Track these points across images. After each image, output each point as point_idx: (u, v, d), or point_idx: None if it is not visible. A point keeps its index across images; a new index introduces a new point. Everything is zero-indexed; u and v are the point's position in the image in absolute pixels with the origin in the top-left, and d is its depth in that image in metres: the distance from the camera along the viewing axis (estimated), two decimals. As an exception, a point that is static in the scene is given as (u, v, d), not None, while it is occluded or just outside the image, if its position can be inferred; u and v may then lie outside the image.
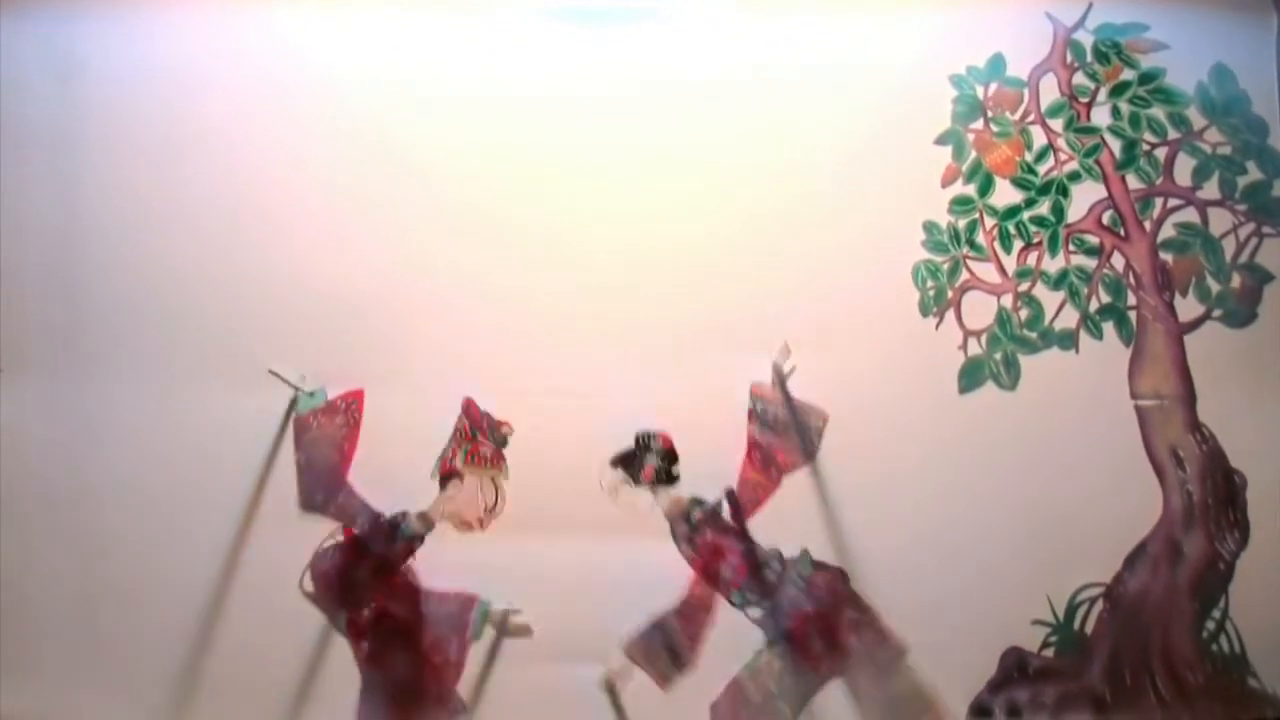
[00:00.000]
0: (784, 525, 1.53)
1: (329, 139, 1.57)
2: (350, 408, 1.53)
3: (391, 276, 1.55)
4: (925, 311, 1.58)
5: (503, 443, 1.52)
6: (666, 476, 1.52)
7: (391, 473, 1.53)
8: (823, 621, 1.51)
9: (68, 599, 1.49)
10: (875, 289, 1.58)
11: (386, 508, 1.52)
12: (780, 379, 1.54)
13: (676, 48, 1.60)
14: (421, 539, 1.51)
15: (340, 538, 1.51)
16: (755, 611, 1.51)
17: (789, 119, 1.60)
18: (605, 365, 1.55)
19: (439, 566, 1.51)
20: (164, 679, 1.49)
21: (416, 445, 1.53)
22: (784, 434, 1.53)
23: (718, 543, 1.52)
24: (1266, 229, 1.61)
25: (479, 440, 1.52)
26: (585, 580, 1.50)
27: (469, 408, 1.53)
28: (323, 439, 1.52)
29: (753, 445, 1.54)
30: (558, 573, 1.50)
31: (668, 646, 1.49)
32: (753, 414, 1.54)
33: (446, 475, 1.52)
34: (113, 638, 1.49)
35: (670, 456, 1.53)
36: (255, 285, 1.55)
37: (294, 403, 1.52)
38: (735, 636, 1.51)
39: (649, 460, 1.52)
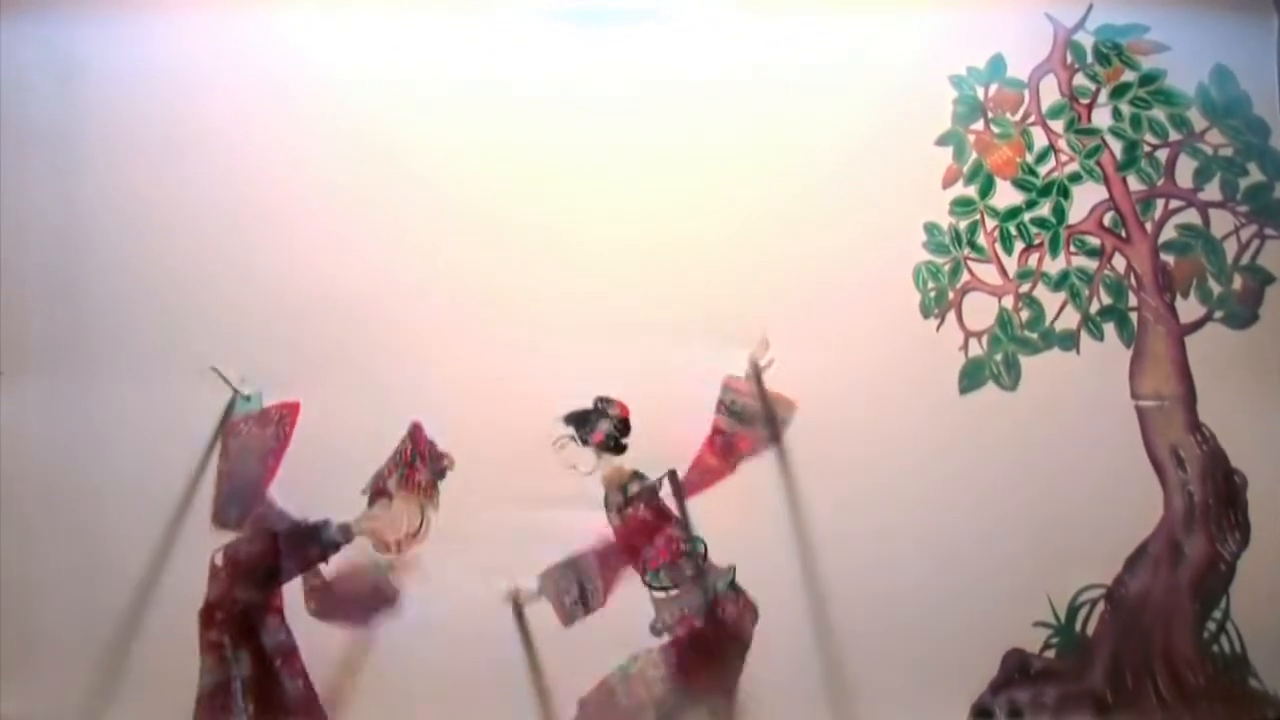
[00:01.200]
0: (781, 519, 1.53)
1: (329, 139, 1.57)
2: (282, 420, 1.52)
3: (391, 275, 1.55)
4: (926, 313, 1.58)
5: (440, 475, 1.52)
6: (615, 445, 1.53)
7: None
8: (710, 645, 1.50)
9: (68, 599, 1.49)
10: (876, 290, 1.58)
11: (311, 513, 1.52)
12: (756, 372, 1.54)
13: (676, 48, 1.60)
14: (338, 548, 1.51)
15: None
16: (658, 594, 1.51)
17: (789, 120, 1.60)
18: (603, 361, 1.55)
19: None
20: (164, 679, 1.48)
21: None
22: (750, 423, 1.54)
23: (647, 520, 1.52)
24: (1268, 230, 1.61)
25: (417, 467, 1.51)
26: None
27: (415, 432, 1.52)
28: (250, 449, 1.51)
29: (716, 432, 1.54)
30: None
31: (579, 582, 1.49)
32: (721, 405, 1.54)
33: (377, 494, 1.52)
34: (112, 638, 1.49)
35: (624, 426, 1.53)
36: (254, 285, 1.54)
37: (230, 405, 1.51)
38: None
39: (602, 425, 1.53)
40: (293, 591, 1.50)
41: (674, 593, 1.51)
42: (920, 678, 1.51)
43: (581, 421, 1.53)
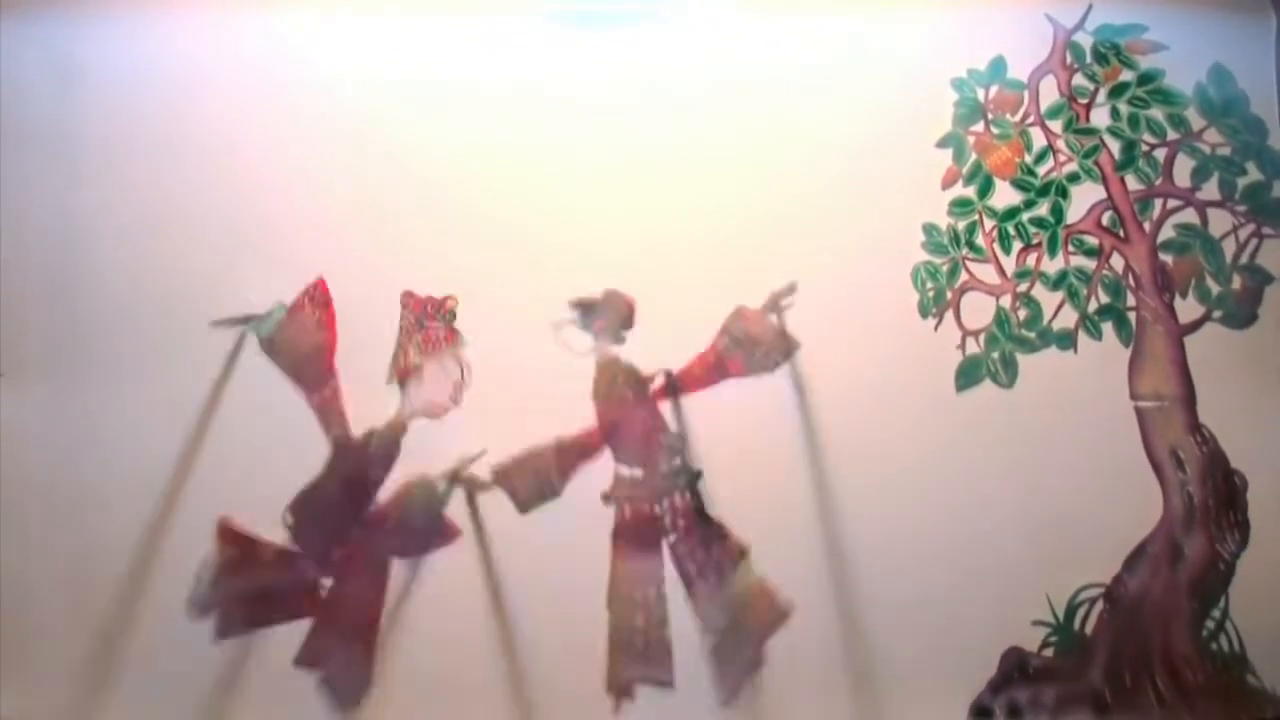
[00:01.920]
0: (781, 519, 1.53)
1: (328, 141, 1.57)
2: (315, 296, 1.52)
3: (391, 277, 1.55)
4: (925, 312, 1.58)
5: (451, 318, 1.52)
6: (614, 336, 1.54)
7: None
8: (650, 535, 1.54)
9: (68, 600, 1.49)
10: (875, 290, 1.58)
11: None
12: (775, 305, 1.55)
13: (676, 50, 1.61)
14: (398, 446, 1.51)
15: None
16: (623, 469, 1.54)
17: (789, 121, 1.60)
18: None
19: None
20: (165, 680, 1.48)
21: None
22: (746, 348, 1.55)
23: (626, 399, 1.53)
24: (1266, 230, 1.61)
25: (427, 326, 1.51)
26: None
27: (407, 299, 1.52)
28: (301, 335, 1.51)
29: (710, 350, 1.55)
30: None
31: (535, 472, 1.51)
32: (725, 330, 1.55)
33: (404, 375, 1.52)
34: (112, 638, 1.49)
35: (628, 320, 1.55)
36: (253, 288, 1.54)
37: (241, 339, 1.51)
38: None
39: (606, 315, 1.54)
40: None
41: (637, 472, 1.53)
42: (919, 676, 1.51)
43: (588, 309, 1.54)
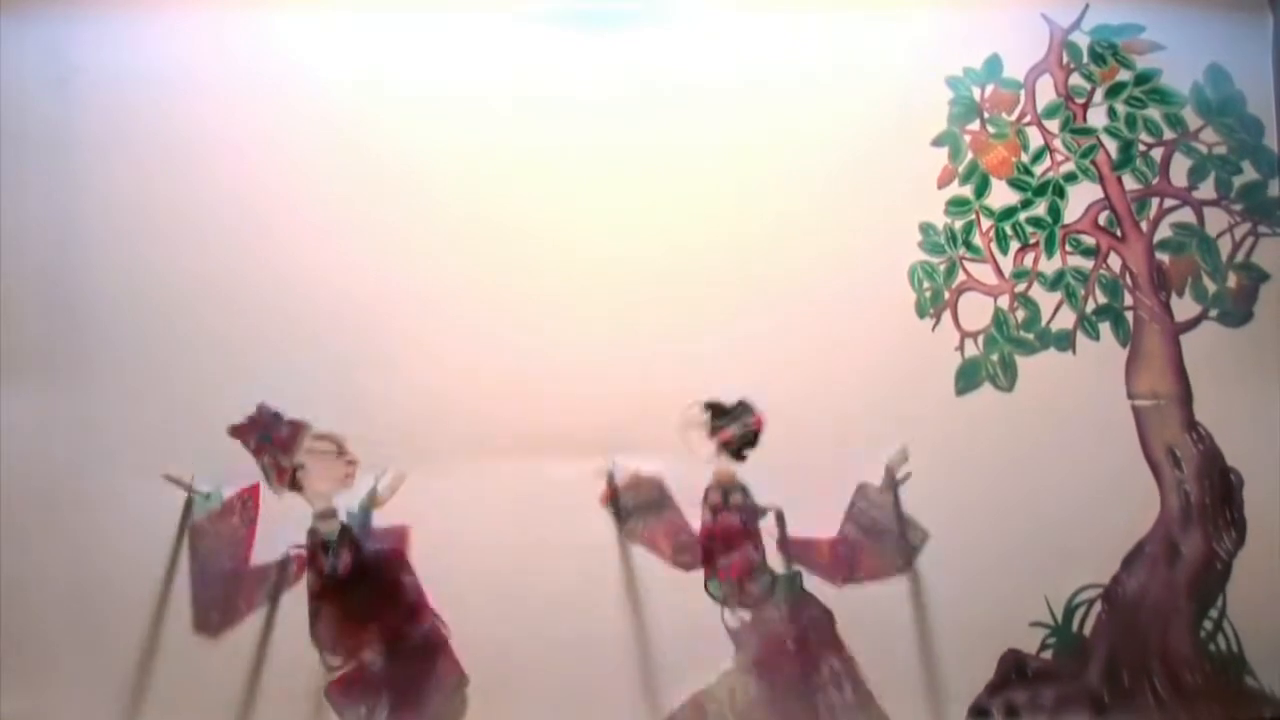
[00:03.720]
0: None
1: (326, 143, 1.56)
2: (246, 505, 1.50)
3: (390, 281, 1.55)
4: (922, 313, 1.58)
5: (266, 437, 1.51)
6: (737, 452, 1.52)
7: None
8: (800, 661, 1.50)
9: (67, 601, 1.49)
10: (871, 290, 1.58)
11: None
12: (892, 483, 1.53)
13: (670, 50, 1.60)
14: (347, 530, 1.50)
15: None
16: (728, 615, 1.50)
17: (784, 120, 1.59)
18: (601, 365, 1.55)
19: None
20: (165, 680, 1.48)
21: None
22: (877, 540, 1.52)
23: (735, 530, 1.51)
24: (1262, 228, 1.61)
25: (273, 436, 1.51)
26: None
27: (234, 432, 1.51)
28: (220, 546, 1.50)
29: (841, 540, 1.52)
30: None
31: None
32: (852, 509, 1.53)
33: (292, 478, 1.51)
34: (112, 639, 1.48)
35: (753, 438, 1.53)
36: (251, 289, 1.54)
37: (188, 506, 1.49)
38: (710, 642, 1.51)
39: (734, 427, 1.52)
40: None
41: (742, 614, 1.51)
42: (916, 679, 1.51)
43: (719, 414, 1.53)
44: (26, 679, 1.48)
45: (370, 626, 1.49)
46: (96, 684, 1.48)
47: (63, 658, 1.48)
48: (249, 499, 1.51)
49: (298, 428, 1.51)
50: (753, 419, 1.53)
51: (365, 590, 1.49)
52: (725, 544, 1.51)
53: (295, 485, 1.51)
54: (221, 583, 1.49)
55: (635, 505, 1.50)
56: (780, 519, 1.52)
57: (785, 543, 1.52)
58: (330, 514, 1.51)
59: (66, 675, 1.48)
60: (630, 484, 1.51)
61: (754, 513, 1.52)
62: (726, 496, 1.52)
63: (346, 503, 1.51)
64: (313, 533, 1.50)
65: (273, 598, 1.49)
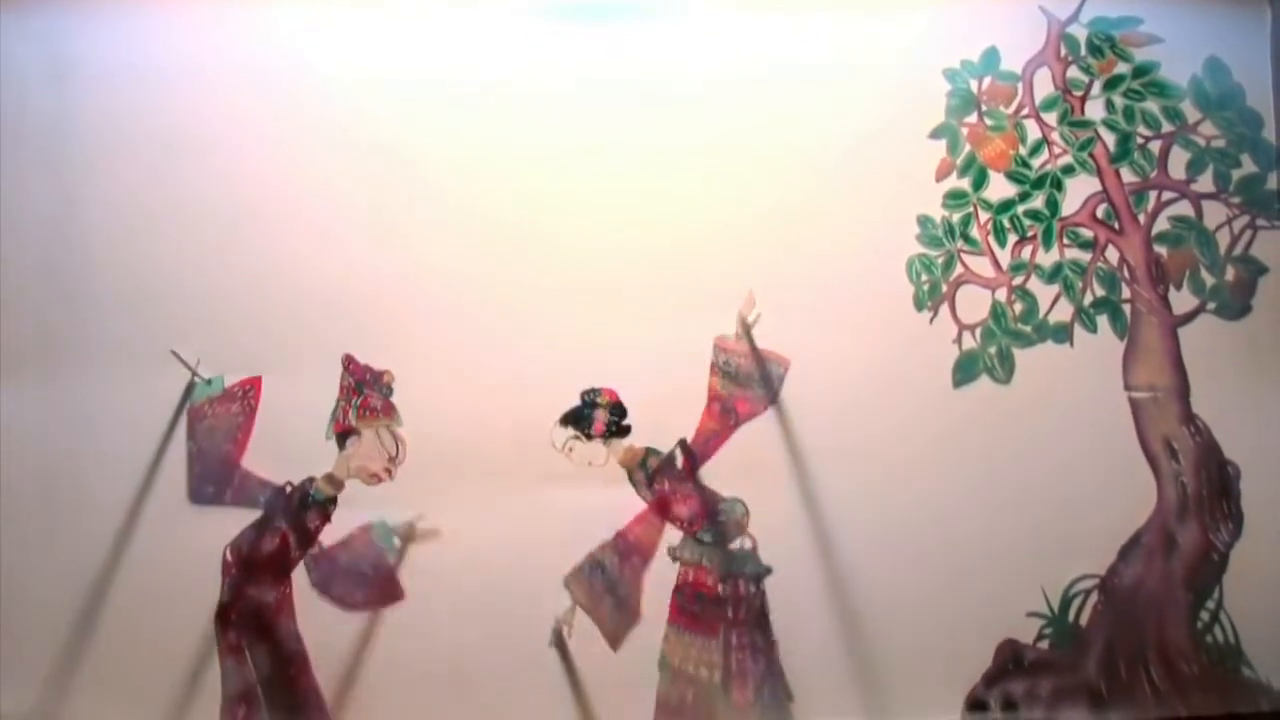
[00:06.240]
0: (777, 519, 1.54)
1: (325, 137, 1.56)
2: (247, 395, 1.52)
3: (389, 273, 1.55)
4: (920, 305, 1.58)
5: (388, 392, 1.52)
6: (617, 429, 1.54)
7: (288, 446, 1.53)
8: (710, 611, 1.53)
9: (67, 600, 1.49)
10: (869, 283, 1.58)
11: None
12: (745, 329, 1.55)
13: (671, 44, 1.60)
14: (334, 501, 1.51)
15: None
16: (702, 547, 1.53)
17: (783, 114, 1.59)
18: (602, 352, 1.55)
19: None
20: (166, 680, 1.49)
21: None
22: (746, 384, 1.55)
23: (675, 490, 1.53)
24: (1260, 221, 1.61)
25: (366, 394, 1.52)
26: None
27: (349, 363, 1.52)
28: (218, 428, 1.51)
29: (714, 397, 1.55)
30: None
31: (609, 587, 1.51)
32: (715, 367, 1.55)
33: (343, 433, 1.52)
34: (112, 638, 1.49)
35: (618, 409, 1.54)
36: (250, 282, 1.54)
37: (189, 389, 1.52)
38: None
39: (598, 415, 1.53)
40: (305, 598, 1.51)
41: (707, 540, 1.53)
42: (914, 669, 1.52)
43: (578, 419, 1.53)
44: (26, 678, 1.48)
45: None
46: (97, 683, 1.48)
47: (63, 657, 1.48)
48: (250, 389, 1.52)
49: (388, 406, 1.52)
50: (602, 395, 1.54)
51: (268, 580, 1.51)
52: (681, 503, 1.53)
53: (341, 441, 1.52)
54: (217, 464, 1.51)
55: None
56: (684, 445, 1.54)
57: (690, 459, 1.53)
58: (338, 484, 1.51)
59: (67, 675, 1.48)
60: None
61: (673, 464, 1.54)
62: (646, 469, 1.54)
63: (361, 495, 1.53)
64: (309, 480, 1.51)
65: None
